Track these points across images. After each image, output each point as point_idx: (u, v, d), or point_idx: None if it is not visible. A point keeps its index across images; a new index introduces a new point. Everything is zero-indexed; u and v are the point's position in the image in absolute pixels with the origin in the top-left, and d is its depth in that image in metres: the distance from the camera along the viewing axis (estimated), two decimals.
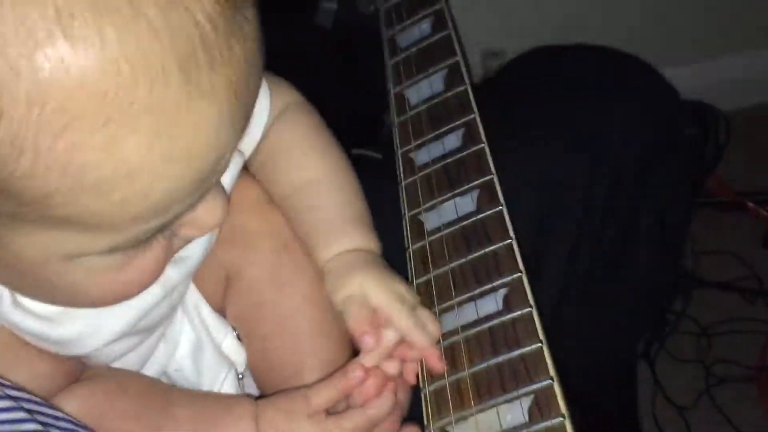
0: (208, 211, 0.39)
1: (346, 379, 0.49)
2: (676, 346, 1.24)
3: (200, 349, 0.56)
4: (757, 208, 1.31)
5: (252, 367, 0.58)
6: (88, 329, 0.45)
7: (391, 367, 0.49)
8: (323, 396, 0.50)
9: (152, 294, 0.46)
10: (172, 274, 0.47)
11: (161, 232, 0.38)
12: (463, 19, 1.28)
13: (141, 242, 0.37)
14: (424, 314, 0.50)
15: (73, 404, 0.47)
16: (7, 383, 0.43)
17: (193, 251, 0.50)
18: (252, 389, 0.60)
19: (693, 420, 1.14)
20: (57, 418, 0.44)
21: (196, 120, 0.31)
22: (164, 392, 0.53)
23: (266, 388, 0.57)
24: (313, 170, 0.56)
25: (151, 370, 0.55)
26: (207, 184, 0.36)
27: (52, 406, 0.45)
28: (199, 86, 0.31)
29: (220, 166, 0.36)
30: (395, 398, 0.49)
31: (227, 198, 0.41)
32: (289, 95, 0.58)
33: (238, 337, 0.58)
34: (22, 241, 0.34)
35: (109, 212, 0.32)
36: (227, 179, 0.49)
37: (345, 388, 0.49)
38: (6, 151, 0.29)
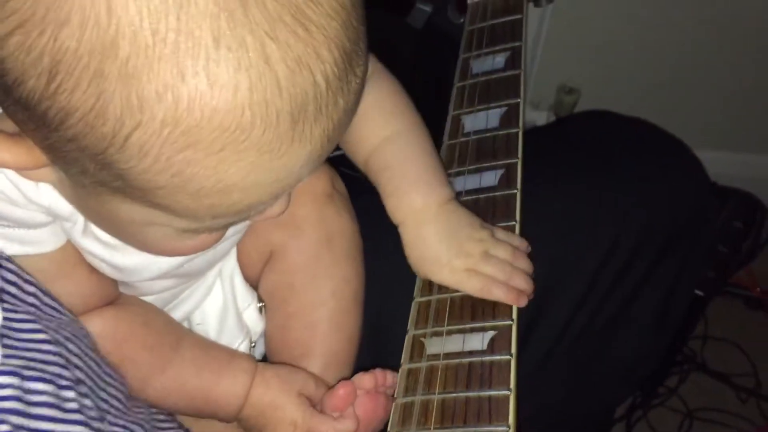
0: (277, 204, 0.43)
1: (338, 395, 0.55)
2: (658, 419, 1.25)
3: (225, 312, 0.62)
4: None
5: (269, 336, 0.63)
6: (143, 263, 0.50)
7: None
8: (318, 392, 0.56)
9: None
10: None
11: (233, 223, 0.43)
12: (547, 52, 1.31)
13: (214, 230, 0.43)
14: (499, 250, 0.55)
15: (97, 324, 0.52)
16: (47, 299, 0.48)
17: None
18: (258, 357, 0.65)
19: None
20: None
21: (290, 158, 0.36)
22: (179, 333, 0.58)
23: (275, 358, 0.62)
24: (391, 127, 0.59)
25: (176, 314, 0.61)
26: (283, 195, 0.41)
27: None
28: (302, 133, 0.35)
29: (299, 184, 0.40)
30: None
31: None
32: (374, 63, 0.60)
33: (260, 310, 0.63)
34: (117, 206, 0.39)
35: (198, 210, 0.37)
36: None
37: (335, 404, 0.55)
38: (133, 152, 0.34)
